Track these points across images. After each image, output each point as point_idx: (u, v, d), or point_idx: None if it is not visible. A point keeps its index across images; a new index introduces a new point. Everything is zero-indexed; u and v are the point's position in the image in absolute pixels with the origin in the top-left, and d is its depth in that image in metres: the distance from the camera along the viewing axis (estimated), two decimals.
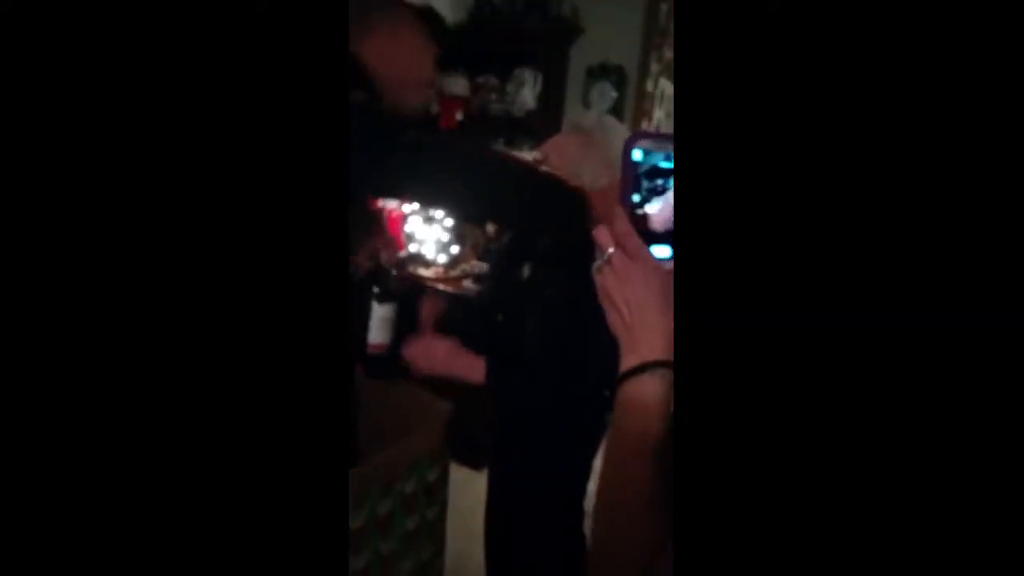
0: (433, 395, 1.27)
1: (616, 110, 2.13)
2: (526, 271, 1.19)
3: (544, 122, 1.99)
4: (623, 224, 0.47)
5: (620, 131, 1.17)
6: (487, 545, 1.43)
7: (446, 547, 1.35)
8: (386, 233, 1.15)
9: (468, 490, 1.74)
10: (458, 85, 2.24)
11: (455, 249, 2.28)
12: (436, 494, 1.25)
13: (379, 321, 1.08)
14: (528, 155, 1.18)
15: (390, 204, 2.42)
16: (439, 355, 1.13)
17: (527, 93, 2.12)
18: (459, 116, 2.23)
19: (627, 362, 0.48)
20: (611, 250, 0.47)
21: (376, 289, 1.08)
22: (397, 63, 0.94)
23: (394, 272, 1.11)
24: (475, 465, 1.94)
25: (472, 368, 1.13)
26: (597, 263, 0.48)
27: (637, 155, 0.47)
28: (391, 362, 1.12)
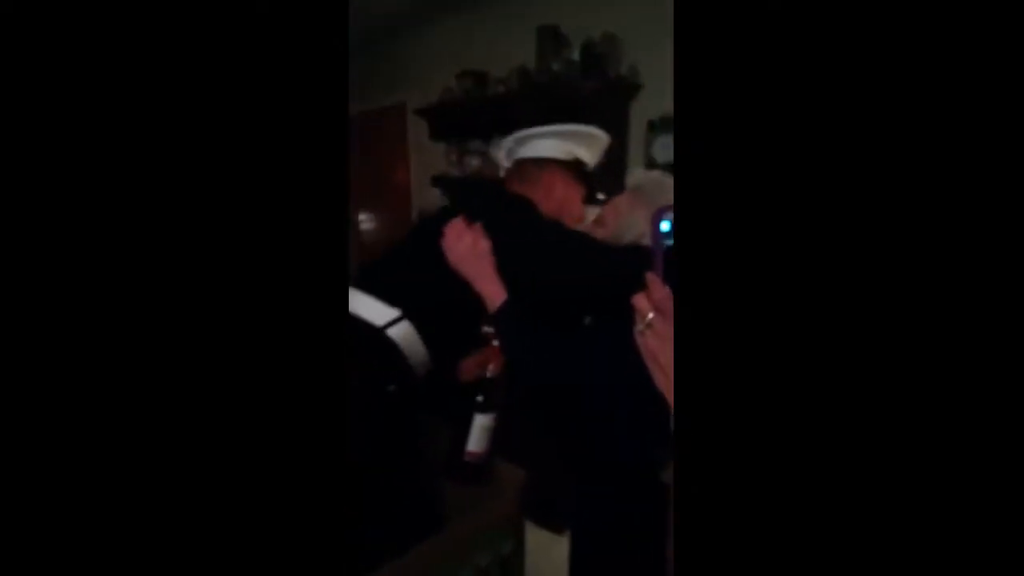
0: (507, 463, 1.29)
1: None
2: (587, 319, 1.20)
3: (607, 180, 2.02)
4: (659, 290, 0.49)
5: (666, 186, 1.19)
6: None
7: None
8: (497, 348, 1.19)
9: (551, 554, 1.71)
10: None
11: None
12: (512, 566, 1.25)
13: (479, 430, 1.11)
14: (591, 214, 1.24)
15: None
16: (471, 248, 1.06)
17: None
18: (502, 174, 2.29)
19: None
20: (651, 315, 0.49)
21: (480, 398, 1.11)
22: (552, 206, 1.20)
23: (497, 382, 1.13)
24: (555, 529, 1.92)
25: (490, 289, 1.06)
26: (639, 327, 0.50)
27: (665, 226, 0.50)
28: (484, 471, 1.14)
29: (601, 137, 1.32)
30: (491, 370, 1.15)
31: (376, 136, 3.67)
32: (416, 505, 1.17)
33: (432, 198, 3.12)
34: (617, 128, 2.20)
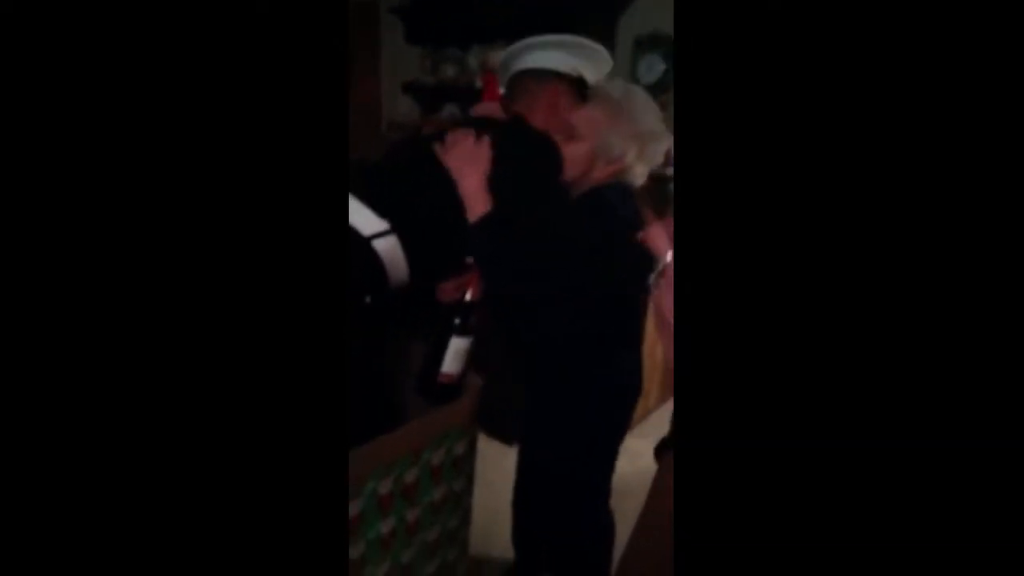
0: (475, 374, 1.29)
1: (665, 82, 2.06)
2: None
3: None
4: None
5: (647, 102, 1.15)
6: (515, 519, 1.45)
7: (472, 518, 1.38)
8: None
9: (499, 463, 1.76)
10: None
11: None
12: (463, 466, 1.27)
13: (454, 352, 1.10)
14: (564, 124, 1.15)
15: None
16: (470, 152, 1.03)
17: None
18: (503, 89, 2.20)
19: None
20: (669, 258, 0.41)
21: (457, 321, 1.10)
22: (557, 125, 1.13)
23: (477, 307, 1.12)
24: (506, 440, 1.97)
25: (476, 198, 1.03)
26: (653, 275, 0.42)
27: None
28: (455, 392, 1.14)
29: (606, 57, 1.24)
30: (470, 294, 1.14)
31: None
32: (372, 405, 1.17)
33: (403, 107, 2.97)
34: (603, 43, 2.11)
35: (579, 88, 1.19)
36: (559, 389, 1.23)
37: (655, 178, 2.06)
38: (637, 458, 1.54)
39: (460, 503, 1.30)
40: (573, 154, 1.12)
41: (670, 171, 2.07)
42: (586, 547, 1.36)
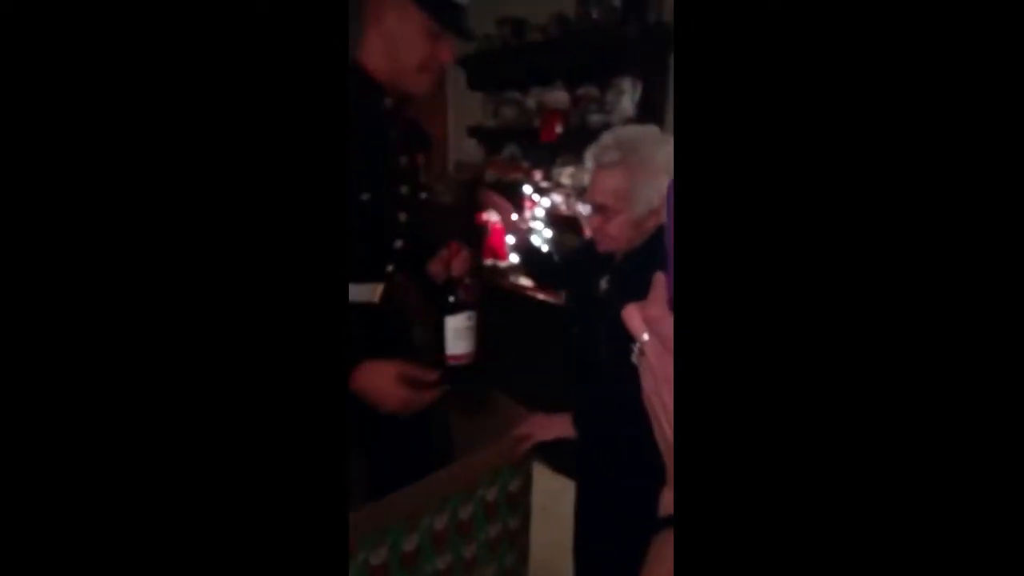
0: (521, 406, 1.31)
1: None
2: (603, 285, 1.19)
3: None
4: (657, 307, 0.36)
5: (654, 135, 1.10)
6: (576, 559, 1.43)
7: (530, 555, 1.38)
8: (460, 244, 1.17)
9: (558, 499, 1.75)
10: (557, 98, 2.27)
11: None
12: (518, 503, 1.29)
13: (453, 332, 1.08)
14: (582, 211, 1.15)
15: (493, 217, 2.51)
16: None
17: (626, 102, 2.10)
18: (559, 129, 2.26)
19: (668, 502, 0.39)
20: (645, 337, 0.37)
21: (451, 299, 1.09)
22: (405, 48, 1.01)
23: (466, 281, 1.10)
24: (569, 473, 1.95)
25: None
26: (634, 352, 0.39)
27: None
28: (472, 371, 1.11)
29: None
30: (455, 269, 1.12)
31: None
32: (421, 437, 1.21)
33: (469, 148, 3.10)
34: (657, 77, 2.13)
35: None
36: (619, 420, 1.23)
37: None
38: None
39: (516, 541, 1.31)
40: (616, 231, 1.10)
41: None
42: None
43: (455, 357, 1.09)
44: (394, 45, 1.02)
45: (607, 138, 1.10)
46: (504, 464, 1.22)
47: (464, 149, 3.17)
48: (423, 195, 1.22)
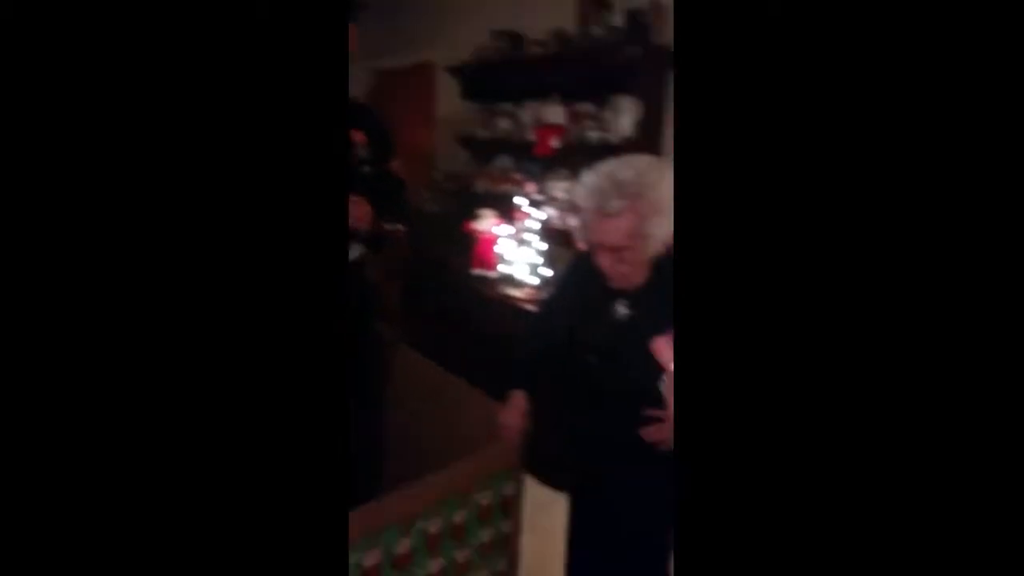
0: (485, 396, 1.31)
1: None
2: (620, 310, 1.14)
3: (641, 150, 2.00)
4: None
5: (661, 174, 1.05)
6: (568, 566, 1.41)
7: (520, 562, 1.36)
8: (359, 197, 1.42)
9: (548, 508, 1.74)
10: (554, 113, 2.30)
11: (546, 271, 2.32)
12: (511, 509, 1.27)
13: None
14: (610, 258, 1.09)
15: (483, 226, 2.51)
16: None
17: (625, 120, 2.13)
18: (555, 143, 2.28)
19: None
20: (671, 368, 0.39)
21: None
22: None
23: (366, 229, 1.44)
24: (554, 486, 1.94)
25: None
26: (663, 382, 0.40)
27: None
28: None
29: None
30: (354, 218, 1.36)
31: (402, 94, 3.63)
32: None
33: (459, 159, 3.10)
34: (656, 99, 2.17)
35: None
36: (613, 436, 1.22)
37: None
38: None
39: (508, 546, 1.30)
40: (631, 270, 1.09)
41: None
42: None
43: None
44: None
45: (603, 181, 1.04)
46: (499, 468, 1.21)
47: (454, 159, 3.18)
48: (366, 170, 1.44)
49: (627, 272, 1.09)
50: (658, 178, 1.04)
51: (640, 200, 1.02)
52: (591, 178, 1.07)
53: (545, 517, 1.67)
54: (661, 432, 1.03)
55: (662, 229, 1.04)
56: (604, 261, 1.08)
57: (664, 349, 0.37)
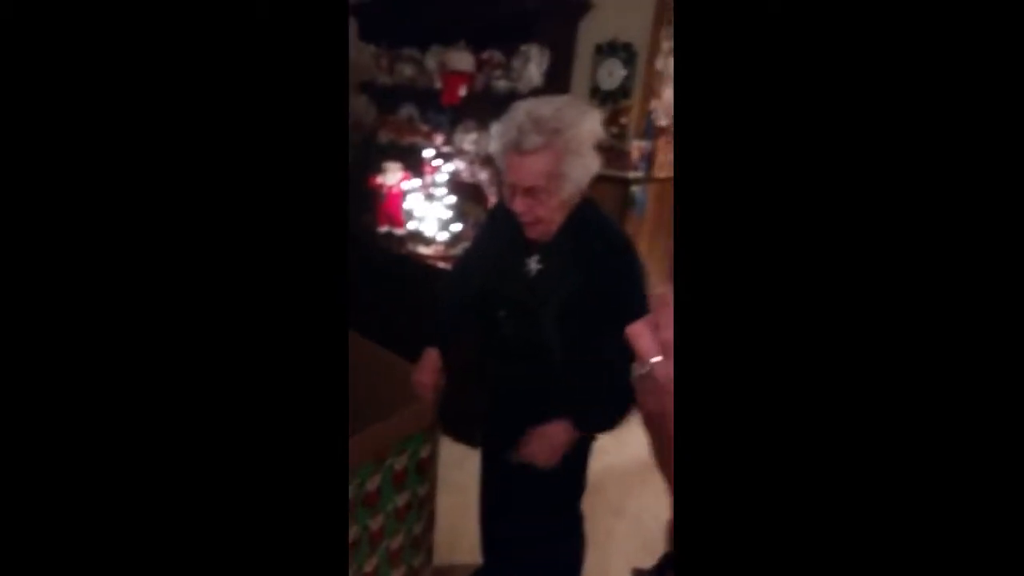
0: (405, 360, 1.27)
1: (625, 88, 2.09)
2: (532, 265, 1.14)
3: None
4: (672, 330, 0.34)
5: (582, 113, 1.05)
6: (482, 524, 1.43)
7: (436, 522, 1.36)
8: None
9: (463, 466, 1.74)
10: (462, 60, 2.20)
11: (456, 227, 2.26)
12: (427, 471, 1.26)
13: None
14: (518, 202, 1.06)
15: (389, 180, 2.40)
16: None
17: (533, 70, 2.08)
18: (462, 92, 2.19)
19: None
20: (655, 360, 0.35)
21: None
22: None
23: None
24: (470, 442, 1.95)
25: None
26: (636, 373, 0.36)
27: None
28: None
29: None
30: None
31: None
32: None
33: (360, 106, 2.92)
34: (563, 50, 2.13)
35: None
36: (524, 390, 1.22)
37: (616, 181, 2.09)
38: (605, 454, 1.55)
39: (424, 508, 1.29)
40: (548, 214, 1.07)
41: (631, 174, 2.10)
42: (556, 550, 1.36)
43: None
44: None
45: (521, 117, 1.02)
46: (413, 432, 1.18)
47: (355, 107, 2.98)
48: None
49: (543, 215, 1.07)
50: (577, 117, 1.03)
51: (558, 137, 1.01)
52: (509, 115, 1.05)
53: (459, 474, 1.68)
54: (536, 451, 1.08)
55: (578, 171, 1.03)
56: (519, 205, 1.07)
57: (640, 336, 0.36)
